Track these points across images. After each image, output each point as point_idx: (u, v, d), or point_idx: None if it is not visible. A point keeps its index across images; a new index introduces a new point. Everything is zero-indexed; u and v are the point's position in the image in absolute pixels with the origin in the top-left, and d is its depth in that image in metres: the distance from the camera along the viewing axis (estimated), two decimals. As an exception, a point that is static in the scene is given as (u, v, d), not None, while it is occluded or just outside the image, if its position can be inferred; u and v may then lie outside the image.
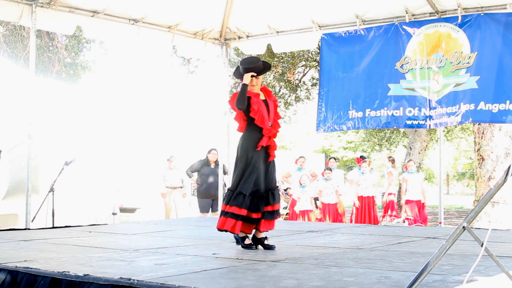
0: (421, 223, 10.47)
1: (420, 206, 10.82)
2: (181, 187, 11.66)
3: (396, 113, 8.23)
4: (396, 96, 8.24)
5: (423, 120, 8.07)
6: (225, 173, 10.22)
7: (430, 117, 8.00)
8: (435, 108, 7.96)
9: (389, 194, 11.76)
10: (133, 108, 14.73)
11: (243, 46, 9.94)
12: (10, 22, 12.38)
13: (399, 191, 13.88)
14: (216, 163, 10.72)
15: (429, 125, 8.11)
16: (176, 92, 28.97)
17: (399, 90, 8.23)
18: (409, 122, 8.21)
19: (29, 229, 7.14)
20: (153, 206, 12.09)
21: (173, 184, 11.60)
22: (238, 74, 5.36)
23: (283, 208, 12.34)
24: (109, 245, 5.38)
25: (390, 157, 12.35)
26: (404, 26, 8.20)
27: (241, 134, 5.37)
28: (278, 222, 8.61)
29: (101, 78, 23.89)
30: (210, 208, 10.79)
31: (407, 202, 10.87)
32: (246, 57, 5.67)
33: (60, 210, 8.06)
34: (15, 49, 17.33)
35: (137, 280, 3.34)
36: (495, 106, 7.44)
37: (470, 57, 7.70)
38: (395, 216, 11.41)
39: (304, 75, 16.83)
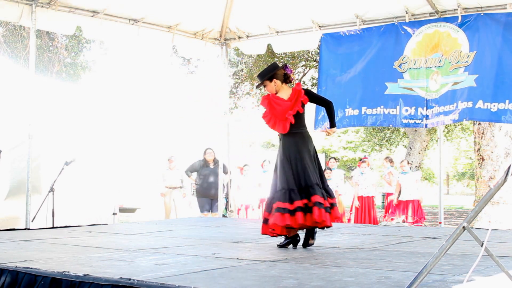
0: (417, 222, 10.41)
1: (415, 205, 10.69)
2: (180, 187, 11.66)
3: (393, 111, 8.21)
4: (393, 95, 8.23)
5: (419, 119, 8.05)
6: (225, 172, 10.20)
7: (427, 117, 7.98)
8: (432, 107, 7.94)
9: (390, 194, 11.75)
10: (133, 108, 14.71)
11: (243, 46, 9.95)
12: (10, 22, 12.38)
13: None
14: (215, 161, 10.70)
15: (426, 124, 8.09)
16: (176, 92, 28.99)
17: (397, 89, 8.21)
18: (405, 121, 8.19)
19: (29, 229, 7.14)
20: (153, 206, 12.08)
21: (173, 184, 11.60)
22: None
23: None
24: (109, 245, 5.37)
25: (387, 157, 12.33)
26: (404, 26, 8.19)
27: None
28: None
29: (101, 78, 23.93)
30: (210, 209, 10.78)
31: (400, 202, 10.80)
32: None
33: (60, 210, 8.06)
34: (15, 49, 17.34)
35: (137, 280, 3.34)
36: (494, 105, 7.40)
37: (468, 56, 7.68)
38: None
39: (304, 75, 16.85)
